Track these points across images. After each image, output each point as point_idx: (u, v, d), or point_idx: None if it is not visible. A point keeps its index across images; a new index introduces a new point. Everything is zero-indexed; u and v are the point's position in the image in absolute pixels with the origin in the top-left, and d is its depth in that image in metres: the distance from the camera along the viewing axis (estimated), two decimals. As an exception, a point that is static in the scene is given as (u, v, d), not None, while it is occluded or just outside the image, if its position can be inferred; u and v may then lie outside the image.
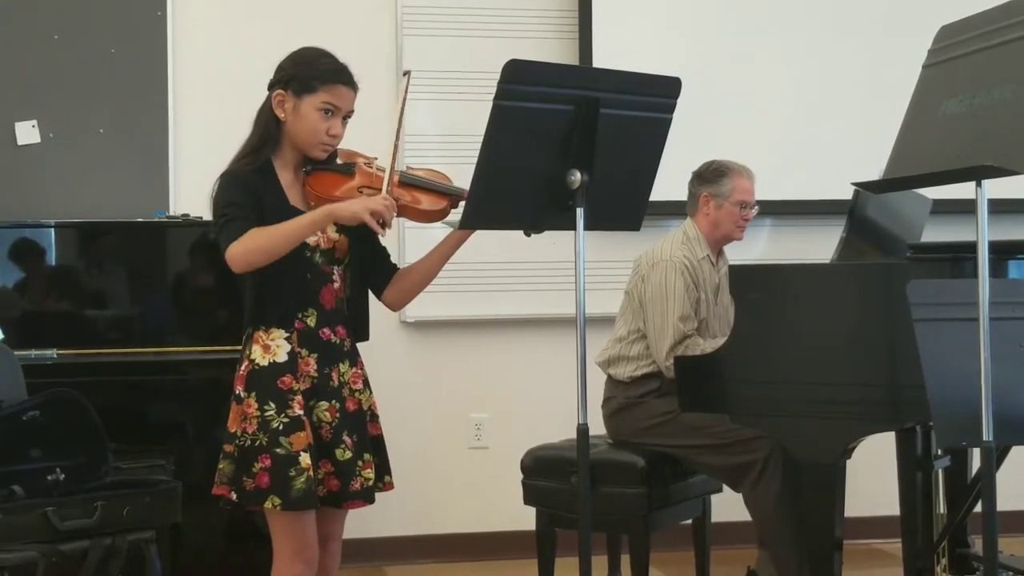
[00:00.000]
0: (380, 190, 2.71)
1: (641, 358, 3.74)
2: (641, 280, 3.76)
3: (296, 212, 2.73)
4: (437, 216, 2.83)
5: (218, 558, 4.10)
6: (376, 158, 2.86)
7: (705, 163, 3.87)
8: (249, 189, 2.68)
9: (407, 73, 2.82)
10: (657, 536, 3.71)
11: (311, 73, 2.73)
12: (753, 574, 3.80)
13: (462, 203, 2.76)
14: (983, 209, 2.50)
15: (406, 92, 2.79)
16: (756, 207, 3.86)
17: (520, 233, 2.80)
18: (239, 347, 2.77)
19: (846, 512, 3.18)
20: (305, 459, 2.63)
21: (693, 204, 3.86)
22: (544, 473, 3.72)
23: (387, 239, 2.90)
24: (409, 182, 2.81)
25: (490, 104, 2.53)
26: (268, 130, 2.75)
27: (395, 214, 2.67)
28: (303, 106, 2.73)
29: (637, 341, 3.75)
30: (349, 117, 2.79)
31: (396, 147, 2.78)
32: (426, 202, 2.81)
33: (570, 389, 2.76)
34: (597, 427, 3.75)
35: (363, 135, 2.97)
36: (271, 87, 2.77)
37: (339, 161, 2.80)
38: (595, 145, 2.62)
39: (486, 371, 4.88)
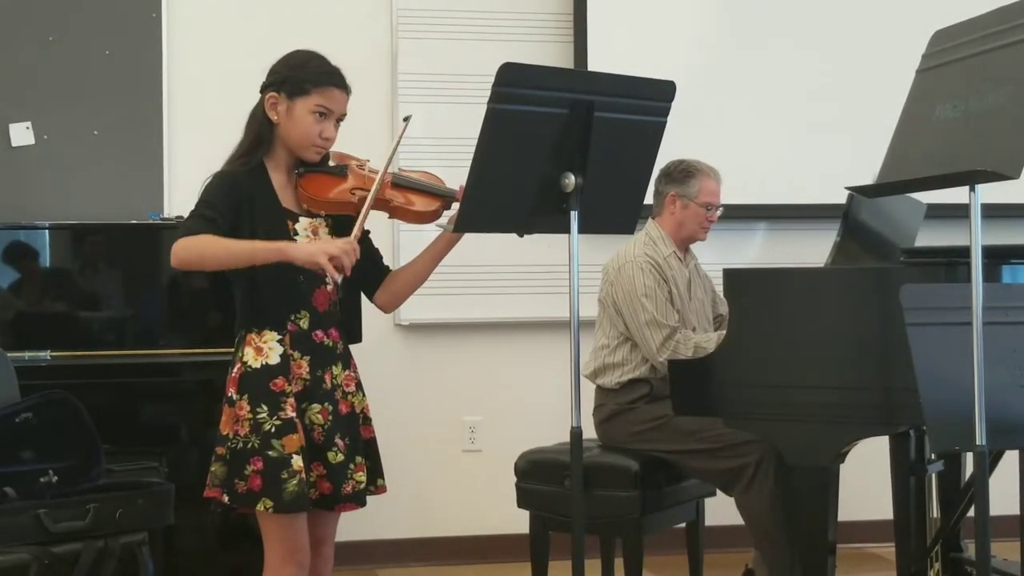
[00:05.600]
0: (371, 192, 2.70)
1: (626, 363, 3.74)
2: (610, 285, 3.76)
3: (288, 214, 2.74)
4: (430, 217, 2.83)
5: (211, 560, 4.09)
6: (368, 160, 2.86)
7: (673, 162, 3.85)
8: (239, 192, 2.68)
9: (407, 118, 2.80)
10: (651, 540, 3.71)
11: (304, 75, 2.72)
12: (750, 573, 3.80)
13: (455, 204, 2.76)
14: (976, 214, 2.50)
15: (402, 134, 2.78)
16: (721, 209, 3.87)
17: (514, 236, 2.79)
18: (232, 349, 2.77)
19: (839, 516, 3.18)
20: (297, 462, 2.63)
21: (659, 203, 3.86)
22: (538, 476, 3.71)
23: (381, 241, 2.91)
24: (402, 183, 2.82)
25: (484, 107, 2.53)
26: (261, 132, 2.75)
27: (355, 260, 2.62)
28: (296, 109, 2.72)
29: (620, 347, 3.75)
30: (342, 120, 2.78)
31: (389, 161, 2.76)
32: (419, 204, 2.82)
33: (564, 392, 2.76)
34: (591, 431, 3.76)
35: (358, 138, 2.97)
36: (263, 89, 2.76)
37: (331, 163, 2.80)
38: (589, 148, 2.62)
39: (480, 374, 4.88)
